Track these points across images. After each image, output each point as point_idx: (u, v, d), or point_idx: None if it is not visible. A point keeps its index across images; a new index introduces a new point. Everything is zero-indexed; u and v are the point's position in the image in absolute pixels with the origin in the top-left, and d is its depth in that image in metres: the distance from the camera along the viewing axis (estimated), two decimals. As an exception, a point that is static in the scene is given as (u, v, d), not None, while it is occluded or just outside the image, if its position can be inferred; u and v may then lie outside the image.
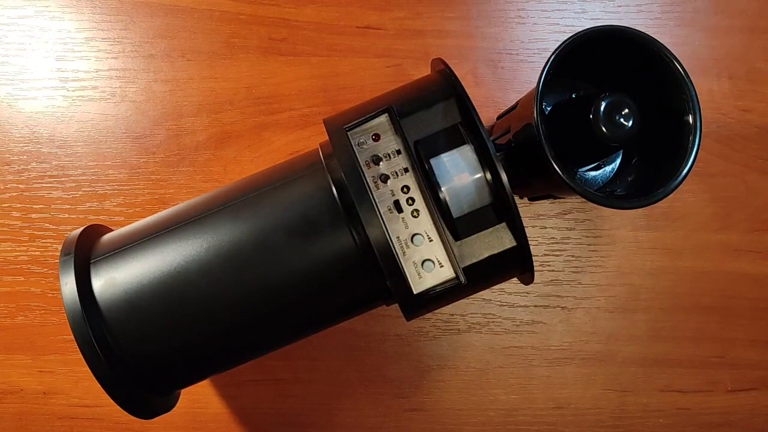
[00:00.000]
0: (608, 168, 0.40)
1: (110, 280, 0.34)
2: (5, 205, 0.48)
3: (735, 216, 0.49)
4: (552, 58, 0.33)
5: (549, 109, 0.39)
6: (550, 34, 0.49)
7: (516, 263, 0.33)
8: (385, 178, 0.33)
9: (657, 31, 0.48)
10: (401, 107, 0.33)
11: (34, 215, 0.48)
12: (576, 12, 0.49)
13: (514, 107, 0.41)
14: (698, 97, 0.34)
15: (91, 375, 0.33)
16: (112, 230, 0.40)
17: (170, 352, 0.35)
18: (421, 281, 0.32)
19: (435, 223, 0.32)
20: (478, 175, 0.32)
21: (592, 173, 0.40)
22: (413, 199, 0.32)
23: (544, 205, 0.48)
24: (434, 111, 0.33)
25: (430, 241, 0.32)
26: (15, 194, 0.48)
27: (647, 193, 0.34)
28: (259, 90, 0.49)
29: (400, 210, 0.32)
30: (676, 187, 0.34)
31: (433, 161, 0.32)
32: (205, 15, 0.49)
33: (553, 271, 0.48)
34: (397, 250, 0.32)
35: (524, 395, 0.48)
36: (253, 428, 0.48)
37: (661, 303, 0.48)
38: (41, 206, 0.48)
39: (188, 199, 0.39)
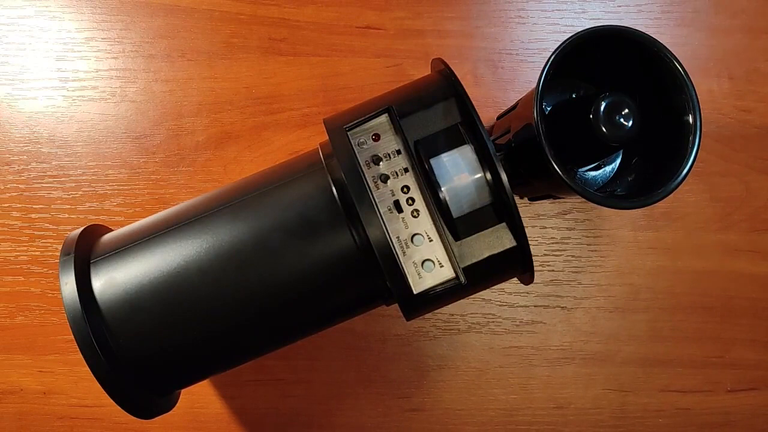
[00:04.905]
0: (608, 168, 0.40)
1: (110, 280, 0.34)
2: (5, 205, 0.48)
3: (735, 216, 0.49)
4: (552, 58, 0.33)
5: (549, 109, 0.39)
6: (550, 34, 0.49)
7: (516, 263, 0.33)
8: (385, 178, 0.33)
9: (657, 31, 0.48)
10: (401, 107, 0.33)
11: (34, 215, 0.48)
12: (576, 12, 0.49)
13: (514, 107, 0.41)
14: (698, 97, 0.34)
15: (91, 375, 0.33)
16: (112, 230, 0.40)
17: (170, 352, 0.35)
18: (421, 281, 0.32)
19: (435, 223, 0.32)
20: (478, 175, 0.32)
21: (592, 173, 0.40)
22: (413, 199, 0.33)
23: (544, 205, 0.48)
24: (434, 111, 0.33)
25: (430, 241, 0.32)
26: (15, 194, 0.48)
27: (647, 193, 0.34)
28: (259, 90, 0.49)
29: (400, 210, 0.32)
30: (676, 187, 0.34)
31: (433, 161, 0.32)
32: (205, 15, 0.49)
33: (553, 271, 0.48)
34: (397, 250, 0.32)
35: (524, 395, 0.48)
36: (253, 428, 0.48)
37: (661, 303, 0.48)
38: (41, 206, 0.48)
39: (188, 199, 0.39)
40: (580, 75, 0.39)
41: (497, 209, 0.32)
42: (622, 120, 0.33)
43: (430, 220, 0.32)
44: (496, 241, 0.32)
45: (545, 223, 0.48)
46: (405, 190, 0.33)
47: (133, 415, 0.35)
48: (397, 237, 0.32)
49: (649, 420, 0.48)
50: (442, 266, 0.32)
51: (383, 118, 0.34)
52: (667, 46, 0.34)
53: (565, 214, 0.48)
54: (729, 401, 0.48)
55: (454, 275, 0.32)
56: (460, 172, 0.32)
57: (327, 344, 0.48)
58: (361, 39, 0.49)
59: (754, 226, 0.49)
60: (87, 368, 0.33)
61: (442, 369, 0.48)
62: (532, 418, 0.48)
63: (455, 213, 0.32)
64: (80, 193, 0.48)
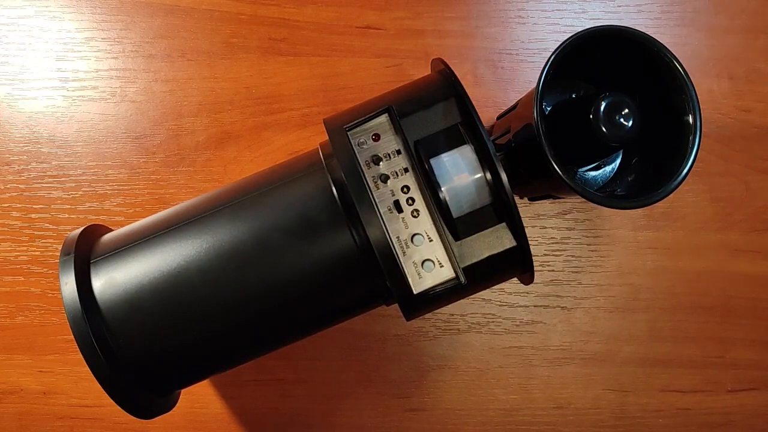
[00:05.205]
0: (608, 168, 0.40)
1: (110, 280, 0.34)
2: (5, 205, 0.48)
3: (735, 216, 0.49)
4: (552, 58, 0.33)
5: (549, 109, 0.39)
6: (550, 34, 0.49)
7: (516, 263, 0.33)
8: (385, 178, 0.33)
9: (657, 31, 0.48)
10: (401, 107, 0.33)
11: (34, 215, 0.48)
12: (576, 12, 0.49)
13: (514, 107, 0.41)
14: (698, 97, 0.34)
15: (91, 375, 0.33)
16: (112, 230, 0.40)
17: (170, 352, 0.35)
18: (421, 281, 0.32)
19: (435, 223, 0.32)
20: (478, 175, 0.32)
21: (592, 173, 0.40)
22: (413, 199, 0.33)
23: (544, 205, 0.48)
24: (434, 111, 0.33)
25: (430, 241, 0.32)
26: (15, 194, 0.48)
27: (647, 193, 0.34)
28: (259, 90, 0.49)
29: (400, 210, 0.32)
30: (676, 187, 0.34)
31: (433, 161, 0.32)
32: (205, 15, 0.49)
33: (553, 271, 0.48)
34: (397, 250, 0.32)
35: (524, 395, 0.48)
36: (253, 428, 0.48)
37: (661, 303, 0.48)
38: (41, 206, 0.48)
39: (188, 199, 0.39)
40: (580, 75, 0.39)
41: (497, 209, 0.32)
42: (622, 120, 0.33)
43: (430, 220, 0.32)
44: (496, 241, 0.32)
45: (545, 223, 0.48)
46: (405, 190, 0.33)
47: (133, 415, 0.35)
48: (397, 237, 0.32)
49: (649, 420, 0.48)
50: (442, 266, 0.32)
51: (383, 118, 0.34)
52: (667, 46, 0.34)
53: (565, 214, 0.48)
54: (729, 401, 0.48)
55: (454, 275, 0.32)
56: (460, 172, 0.32)
57: (327, 344, 0.48)
58: (361, 39, 0.49)
59: (754, 226, 0.49)
60: (87, 368, 0.33)
61: (442, 369, 0.48)
62: (532, 418, 0.48)
63: (455, 213, 0.32)
64: (80, 193, 0.48)
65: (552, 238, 0.48)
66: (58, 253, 0.36)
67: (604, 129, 0.33)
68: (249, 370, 0.47)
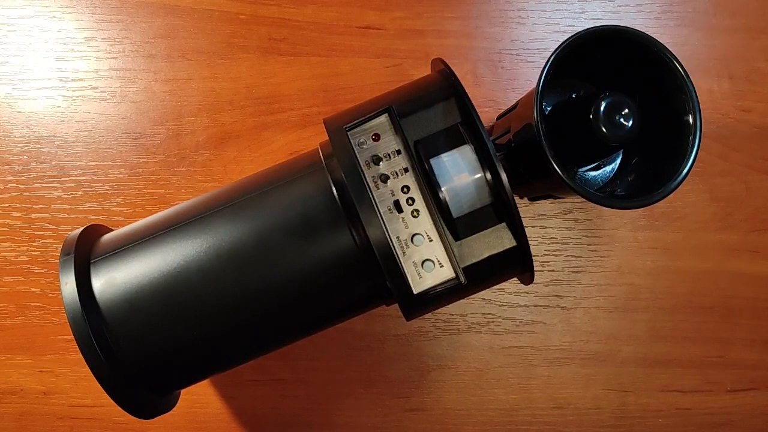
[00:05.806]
0: (608, 168, 0.40)
1: (110, 280, 0.34)
2: (5, 205, 0.48)
3: (735, 216, 0.49)
4: (552, 58, 0.33)
5: (549, 109, 0.39)
6: (550, 34, 0.49)
7: (516, 263, 0.33)
8: (385, 178, 0.33)
9: (657, 31, 0.48)
10: (401, 107, 0.33)
11: (34, 215, 0.48)
12: (576, 12, 0.49)
13: (514, 107, 0.41)
14: (698, 97, 0.34)
15: (91, 375, 0.33)
16: (112, 230, 0.40)
17: (170, 352, 0.35)
18: (421, 281, 0.32)
19: (435, 223, 0.32)
20: (478, 175, 0.32)
21: (592, 173, 0.40)
22: (413, 199, 0.33)
23: (544, 205, 0.48)
24: (434, 111, 0.33)
25: (430, 241, 0.32)
26: (15, 194, 0.48)
27: (647, 193, 0.34)
28: (259, 90, 0.49)
29: (400, 210, 0.32)
30: (676, 187, 0.34)
31: (433, 161, 0.32)
32: (205, 15, 0.49)
33: (552, 271, 0.48)
34: (397, 250, 0.32)
35: (524, 395, 0.48)
36: (253, 428, 0.48)
37: (660, 303, 0.48)
38: (41, 206, 0.48)
39: (188, 199, 0.39)
40: (580, 75, 0.39)
41: (497, 209, 0.32)
42: (622, 120, 0.33)
43: (430, 220, 0.32)
44: (496, 241, 0.32)
45: (545, 223, 0.48)
46: (405, 190, 0.33)
47: (133, 415, 0.35)
48: (397, 237, 0.32)
49: (649, 420, 0.48)
50: (442, 266, 0.32)
51: (383, 118, 0.34)
52: (667, 46, 0.34)
53: (565, 214, 0.48)
54: (729, 401, 0.48)
55: (454, 275, 0.32)
56: (460, 172, 0.32)
57: (327, 344, 0.48)
58: (361, 39, 0.49)
59: (754, 226, 0.49)
60: (87, 368, 0.33)
61: (442, 369, 0.48)
62: (532, 418, 0.48)
63: (455, 213, 0.32)
64: (80, 193, 0.48)
65: (552, 238, 0.48)
66: (58, 253, 0.36)
67: (604, 129, 0.33)
68: (249, 370, 0.47)
